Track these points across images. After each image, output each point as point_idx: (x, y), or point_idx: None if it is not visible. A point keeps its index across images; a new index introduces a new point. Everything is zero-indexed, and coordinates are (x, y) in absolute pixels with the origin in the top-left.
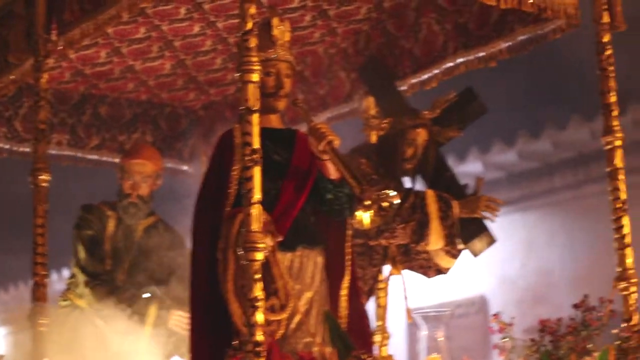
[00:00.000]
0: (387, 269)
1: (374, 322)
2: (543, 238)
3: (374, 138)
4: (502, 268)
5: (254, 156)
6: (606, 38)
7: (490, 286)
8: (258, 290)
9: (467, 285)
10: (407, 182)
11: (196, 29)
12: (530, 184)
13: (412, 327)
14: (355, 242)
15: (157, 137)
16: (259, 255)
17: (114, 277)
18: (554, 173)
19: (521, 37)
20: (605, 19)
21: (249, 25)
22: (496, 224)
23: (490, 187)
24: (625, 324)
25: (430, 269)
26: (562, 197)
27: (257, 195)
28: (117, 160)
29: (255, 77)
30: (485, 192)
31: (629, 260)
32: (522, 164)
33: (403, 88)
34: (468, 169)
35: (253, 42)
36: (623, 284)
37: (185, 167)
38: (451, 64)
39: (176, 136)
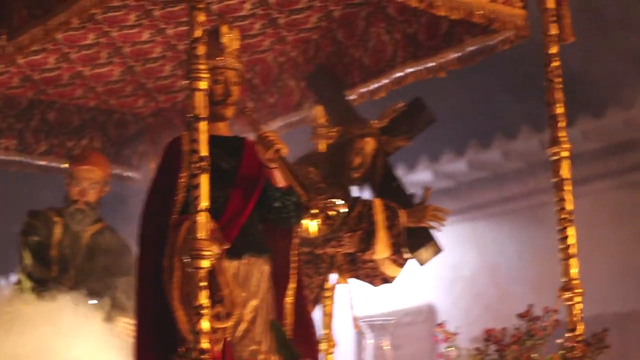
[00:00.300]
0: (333, 277)
1: (321, 331)
2: (492, 247)
3: (322, 147)
4: (451, 277)
5: (201, 164)
6: (554, 50)
7: (439, 295)
8: (203, 298)
9: (415, 293)
10: (354, 191)
11: (146, 35)
12: (480, 194)
13: (360, 335)
14: (302, 250)
15: (106, 144)
16: (205, 263)
17: (61, 284)
18: (504, 183)
19: (470, 48)
20: (553, 31)
21: (197, 33)
22: (446, 233)
23: (440, 197)
24: (570, 334)
25: (376, 277)
26: (511, 207)
27: (204, 202)
28: (65, 166)
29: (203, 84)
30: (435, 201)
31: (574, 271)
32: (472, 174)
33: (352, 97)
34: (418, 178)
35: (201, 49)
36: (568, 294)
37: (133, 174)
38: (400, 74)
39: (125, 143)
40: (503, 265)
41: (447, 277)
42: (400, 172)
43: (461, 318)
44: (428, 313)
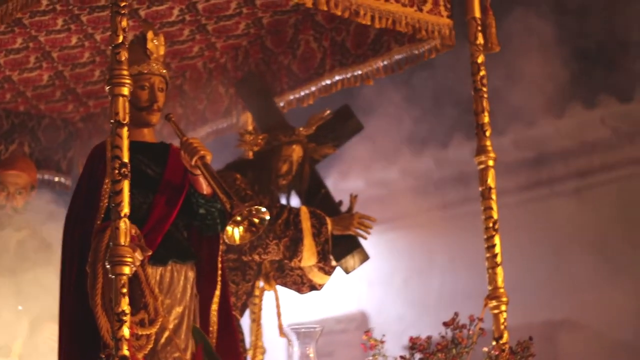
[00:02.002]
0: (261, 284)
1: (249, 338)
2: (424, 255)
3: (249, 153)
4: (384, 284)
5: (123, 170)
6: (480, 59)
7: (372, 302)
8: (124, 305)
9: (348, 301)
10: (282, 199)
11: (74, 40)
12: (412, 201)
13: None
14: (229, 257)
15: (35, 149)
16: (126, 270)
17: None
18: (435, 191)
19: (397, 56)
20: (480, 40)
21: (120, 39)
22: (379, 241)
23: (372, 204)
24: (496, 343)
25: (303, 285)
26: (443, 215)
27: (126, 209)
28: None
29: (125, 90)
30: (366, 209)
31: (500, 279)
32: (403, 182)
33: (281, 104)
34: (350, 185)
35: (124, 55)
36: (494, 303)
37: (63, 179)
38: (328, 82)
39: (54, 148)
40: (435, 273)
41: (380, 284)
42: (332, 179)
43: (394, 325)
44: (361, 320)
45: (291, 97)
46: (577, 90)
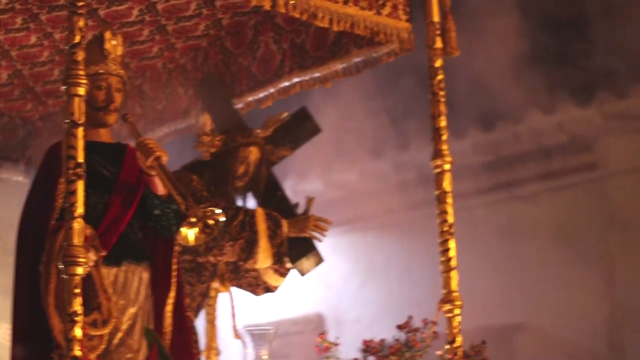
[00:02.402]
0: (216, 286)
1: (204, 339)
2: (382, 258)
3: (206, 155)
4: (341, 286)
5: (78, 170)
6: (438, 63)
7: (329, 304)
8: (77, 305)
9: (305, 303)
10: (238, 200)
11: (33, 39)
12: (371, 204)
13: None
14: (184, 258)
15: None
16: (79, 270)
17: None
18: (394, 193)
19: (356, 59)
20: (438, 44)
21: (77, 39)
22: (337, 243)
23: (331, 206)
24: (449, 346)
25: (258, 286)
26: (401, 218)
27: (80, 209)
28: None
29: (81, 90)
30: (325, 211)
31: (454, 283)
32: (363, 184)
33: (240, 105)
34: (309, 187)
35: (80, 55)
36: (447, 306)
37: (21, 178)
38: (287, 83)
39: (13, 147)
40: (392, 275)
41: (337, 286)
42: (291, 181)
43: (351, 328)
44: (317, 322)
45: (250, 98)
46: (536, 96)
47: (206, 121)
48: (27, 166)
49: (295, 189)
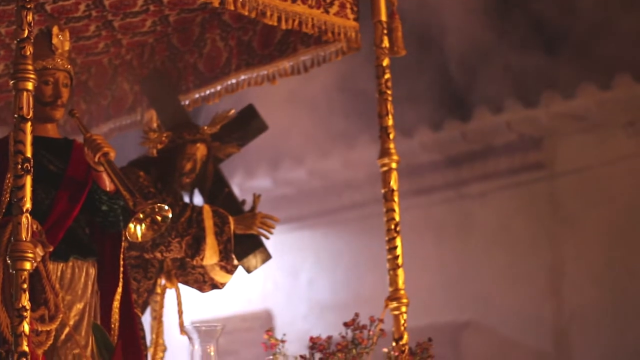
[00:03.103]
0: (162, 282)
1: (150, 335)
2: (329, 255)
3: (153, 151)
4: (290, 283)
5: (26, 165)
6: (385, 62)
7: (277, 301)
8: (25, 300)
9: (253, 299)
10: (185, 197)
11: None
12: (319, 202)
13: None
14: (131, 254)
15: None
16: (27, 265)
17: None
18: (342, 191)
19: (303, 58)
20: (385, 43)
21: (26, 33)
22: (285, 240)
23: (280, 203)
24: (395, 344)
25: (205, 283)
26: (349, 216)
27: (28, 204)
28: None
29: (29, 85)
30: (273, 208)
31: (400, 281)
32: (310, 182)
33: (186, 102)
34: (257, 184)
35: (29, 49)
36: (394, 304)
37: None
38: (234, 81)
39: None
40: (340, 272)
41: (285, 283)
42: (239, 178)
43: (299, 325)
44: (266, 319)
45: (197, 95)
46: (483, 95)
47: (152, 117)
48: None
49: (243, 186)
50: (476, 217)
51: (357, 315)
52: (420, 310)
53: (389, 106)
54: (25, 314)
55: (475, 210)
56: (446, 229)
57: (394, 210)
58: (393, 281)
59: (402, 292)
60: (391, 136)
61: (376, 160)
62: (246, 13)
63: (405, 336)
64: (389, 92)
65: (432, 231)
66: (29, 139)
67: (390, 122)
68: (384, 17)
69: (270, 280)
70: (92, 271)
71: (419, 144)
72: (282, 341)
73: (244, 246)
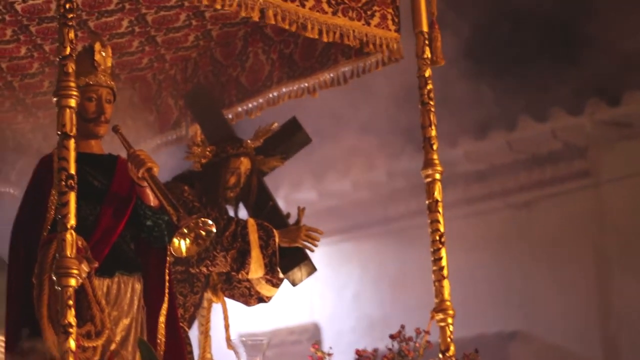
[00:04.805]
0: (208, 296)
1: (197, 350)
2: (375, 267)
3: (197, 165)
4: (336, 296)
5: (70, 182)
6: (427, 73)
7: (323, 313)
8: (70, 317)
9: (300, 312)
10: (229, 210)
11: (23, 50)
12: (365, 213)
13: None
14: (177, 269)
15: None
16: (72, 282)
17: None
18: (387, 203)
19: (344, 69)
20: (427, 54)
21: (68, 50)
22: (331, 252)
23: (325, 215)
24: (442, 355)
25: (251, 297)
26: (394, 227)
27: (72, 221)
28: None
29: (72, 102)
30: (319, 220)
31: (446, 292)
32: (355, 193)
33: (229, 116)
34: (303, 196)
35: (71, 67)
36: (440, 315)
37: (11, 190)
38: (276, 94)
39: (3, 158)
40: (385, 284)
41: (331, 295)
42: (284, 190)
43: (346, 337)
44: (313, 331)
45: (239, 109)
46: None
47: (196, 132)
48: (17, 178)
49: (288, 198)
50: (521, 227)
51: (403, 327)
52: (466, 321)
53: (432, 117)
54: (71, 330)
55: (521, 220)
56: (491, 239)
57: (438, 222)
58: (439, 292)
59: (448, 303)
60: (434, 147)
61: (419, 171)
62: (287, 27)
63: (452, 348)
64: (431, 102)
65: (477, 241)
66: (72, 155)
67: (433, 132)
68: (425, 28)
69: (317, 293)
70: (138, 286)
71: (463, 153)
72: (329, 354)
73: (289, 259)
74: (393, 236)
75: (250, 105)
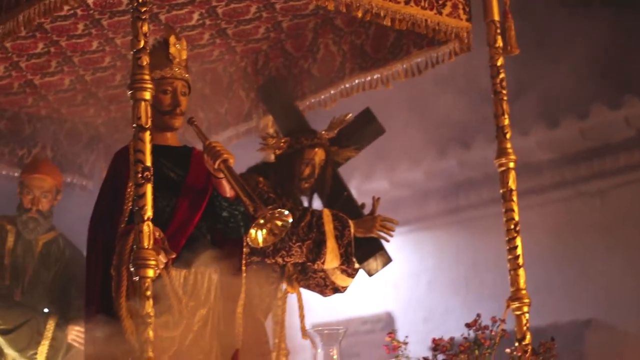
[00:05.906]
0: (284, 287)
1: (273, 340)
2: (449, 256)
3: (271, 157)
4: (410, 285)
5: (146, 174)
6: (500, 62)
7: (398, 303)
8: (149, 307)
9: (374, 301)
10: (304, 201)
11: (95, 44)
12: (437, 203)
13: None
14: (253, 259)
15: (57, 152)
16: (150, 272)
17: (13, 292)
18: (460, 192)
19: (416, 60)
20: (499, 43)
21: (142, 44)
22: (405, 242)
23: (397, 205)
24: (518, 344)
25: (327, 287)
26: (467, 216)
27: (149, 212)
28: (16, 174)
29: (147, 95)
30: (391, 210)
31: (522, 281)
32: (428, 183)
33: (302, 107)
34: (375, 186)
35: (145, 60)
36: (516, 304)
37: (85, 183)
38: (348, 85)
39: (77, 152)
40: (460, 273)
41: (406, 284)
42: (356, 181)
43: (420, 326)
44: (387, 321)
45: (312, 100)
46: (601, 91)
47: (267, 124)
48: (91, 170)
49: (360, 189)
50: (594, 215)
51: (479, 316)
52: (541, 309)
53: (505, 106)
54: (149, 320)
55: (594, 208)
56: (565, 227)
57: (513, 210)
58: (514, 281)
59: (523, 292)
60: (508, 136)
61: (491, 160)
62: (360, 15)
63: (528, 336)
64: (504, 91)
65: (551, 230)
66: (148, 148)
67: (506, 121)
68: (496, 17)
69: (391, 282)
70: (215, 277)
71: (535, 142)
72: (405, 343)
73: (365, 249)
74: (466, 225)
75: (322, 96)
